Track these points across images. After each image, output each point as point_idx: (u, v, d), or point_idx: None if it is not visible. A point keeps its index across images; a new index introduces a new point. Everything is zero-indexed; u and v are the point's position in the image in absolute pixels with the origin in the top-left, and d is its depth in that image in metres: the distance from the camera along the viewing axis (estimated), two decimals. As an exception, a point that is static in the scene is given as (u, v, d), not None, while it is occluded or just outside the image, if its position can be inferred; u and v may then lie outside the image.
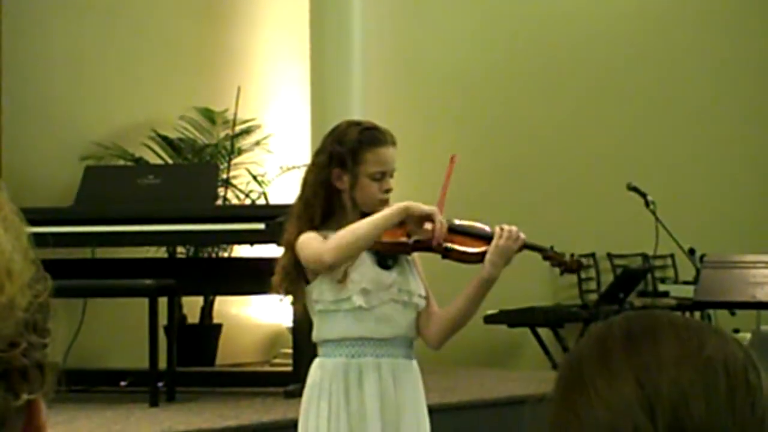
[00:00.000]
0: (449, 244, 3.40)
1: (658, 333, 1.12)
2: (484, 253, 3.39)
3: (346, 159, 3.31)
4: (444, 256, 3.42)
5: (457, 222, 3.46)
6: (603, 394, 1.09)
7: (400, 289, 3.35)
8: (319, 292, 3.31)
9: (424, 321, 3.40)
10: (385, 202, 3.37)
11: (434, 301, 3.45)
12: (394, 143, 3.38)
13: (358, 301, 3.29)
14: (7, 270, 0.83)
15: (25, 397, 0.85)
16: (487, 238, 3.42)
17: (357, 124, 3.42)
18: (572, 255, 3.55)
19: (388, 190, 3.36)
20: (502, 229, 3.34)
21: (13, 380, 0.84)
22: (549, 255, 3.50)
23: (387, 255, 3.38)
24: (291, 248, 3.34)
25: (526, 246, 3.49)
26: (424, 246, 3.38)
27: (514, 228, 3.36)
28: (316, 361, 3.38)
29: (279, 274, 3.35)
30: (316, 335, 3.39)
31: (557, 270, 3.57)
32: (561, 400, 1.13)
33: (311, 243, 3.27)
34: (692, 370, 1.09)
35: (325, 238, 3.31)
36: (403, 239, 3.37)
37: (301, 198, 3.39)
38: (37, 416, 0.89)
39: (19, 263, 0.84)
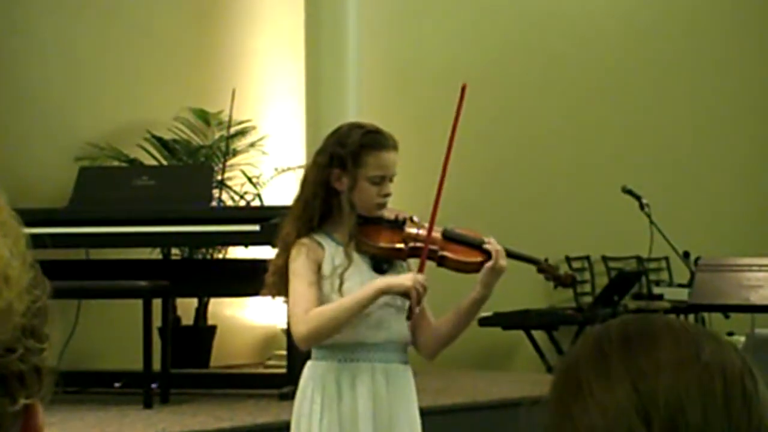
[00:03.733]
0: (445, 253, 3.39)
1: (656, 338, 1.12)
2: (480, 263, 3.39)
3: (346, 161, 3.29)
4: (439, 264, 3.42)
5: (454, 230, 3.45)
6: (599, 398, 1.09)
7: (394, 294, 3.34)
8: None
9: (419, 332, 3.41)
10: (382, 206, 3.36)
11: (430, 314, 3.45)
12: (395, 148, 3.36)
13: None
14: (4, 276, 0.82)
15: (22, 401, 0.85)
16: (482, 248, 3.41)
17: (360, 126, 3.40)
18: (569, 262, 3.57)
19: (386, 195, 3.35)
20: (495, 251, 3.34)
21: (10, 385, 0.84)
22: (543, 268, 3.54)
23: (382, 259, 3.38)
24: (287, 248, 3.33)
25: (521, 258, 3.51)
26: (418, 253, 3.38)
27: (500, 246, 3.37)
28: (309, 364, 3.37)
29: (273, 274, 3.34)
30: (308, 340, 3.38)
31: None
32: (557, 403, 1.13)
33: (298, 303, 3.27)
34: (689, 376, 1.08)
35: (320, 244, 3.31)
36: (399, 245, 3.37)
37: (300, 198, 3.38)
38: (34, 420, 0.88)
39: (17, 269, 0.84)
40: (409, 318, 3.28)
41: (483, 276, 3.33)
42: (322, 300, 3.29)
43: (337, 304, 3.25)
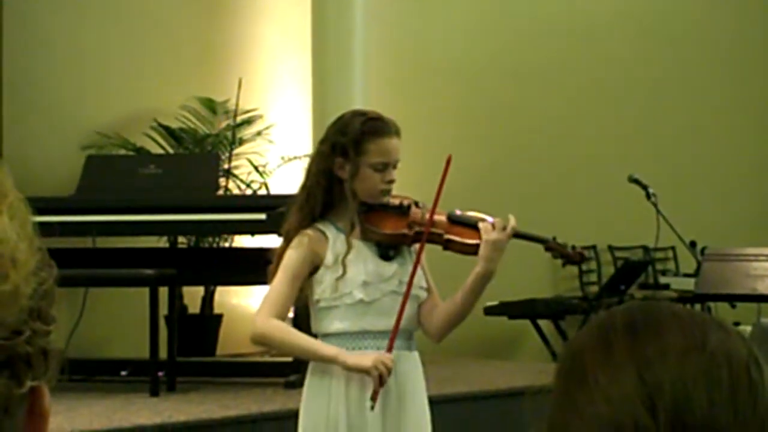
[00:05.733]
0: (450, 236, 3.39)
1: (661, 325, 1.12)
2: None
3: (348, 149, 3.29)
4: (445, 248, 3.42)
5: (458, 212, 3.45)
6: (604, 387, 1.08)
7: (400, 280, 3.33)
8: (321, 290, 3.31)
9: (426, 314, 3.40)
10: (387, 193, 3.36)
11: (438, 295, 3.44)
12: (398, 134, 3.35)
13: (359, 294, 3.28)
14: (12, 258, 0.83)
15: (28, 383, 0.85)
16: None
17: (361, 114, 3.39)
18: (573, 247, 3.54)
19: (390, 181, 3.34)
20: (483, 225, 3.32)
21: (17, 367, 0.84)
22: (551, 246, 3.49)
23: (388, 246, 3.37)
24: (288, 238, 3.33)
25: (529, 237, 3.49)
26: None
27: (498, 219, 3.35)
28: (317, 352, 3.38)
29: (276, 264, 3.35)
30: (315, 328, 3.38)
31: (559, 261, 3.55)
32: (561, 391, 1.13)
33: (271, 296, 3.31)
34: (695, 364, 1.08)
35: (323, 234, 3.31)
36: (404, 230, 3.37)
37: (303, 187, 3.38)
38: (40, 403, 0.88)
39: (24, 251, 0.84)
40: (372, 399, 3.22)
41: (481, 250, 3.31)
42: (321, 291, 3.30)
43: (299, 339, 3.29)
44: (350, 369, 3.22)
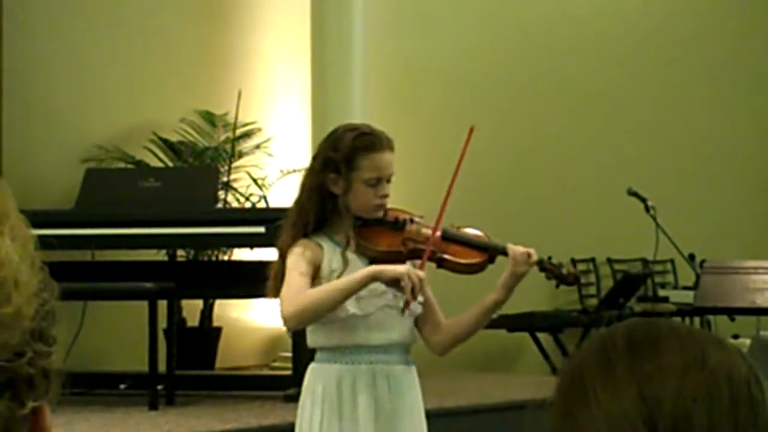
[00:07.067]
0: (444, 255, 3.37)
1: (661, 343, 1.12)
2: (478, 264, 3.37)
3: (340, 165, 3.26)
4: (438, 266, 3.40)
5: (453, 231, 3.43)
6: (604, 404, 1.08)
7: (395, 294, 3.30)
8: None
9: (430, 330, 3.39)
10: (381, 208, 3.33)
11: (440, 311, 3.42)
12: (391, 148, 3.32)
13: (352, 308, 3.25)
14: (14, 280, 0.83)
15: (30, 404, 0.85)
16: (482, 248, 3.39)
17: (353, 128, 3.36)
18: (574, 263, 3.52)
19: (384, 196, 3.31)
20: (521, 255, 3.28)
21: (18, 388, 0.84)
22: (545, 266, 3.42)
23: (383, 262, 3.35)
24: (283, 254, 3.31)
25: None
26: (418, 255, 3.36)
27: (523, 250, 3.30)
28: (311, 367, 3.36)
29: (273, 280, 3.32)
30: (311, 341, 3.37)
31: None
32: (562, 408, 1.13)
33: (290, 286, 3.22)
34: (695, 382, 1.08)
35: (319, 245, 3.29)
36: (399, 248, 3.35)
37: (296, 203, 3.36)
38: (42, 422, 0.89)
39: (26, 273, 0.84)
40: (402, 312, 3.20)
41: (507, 280, 3.29)
42: None
43: (326, 286, 3.21)
44: (384, 276, 3.16)
